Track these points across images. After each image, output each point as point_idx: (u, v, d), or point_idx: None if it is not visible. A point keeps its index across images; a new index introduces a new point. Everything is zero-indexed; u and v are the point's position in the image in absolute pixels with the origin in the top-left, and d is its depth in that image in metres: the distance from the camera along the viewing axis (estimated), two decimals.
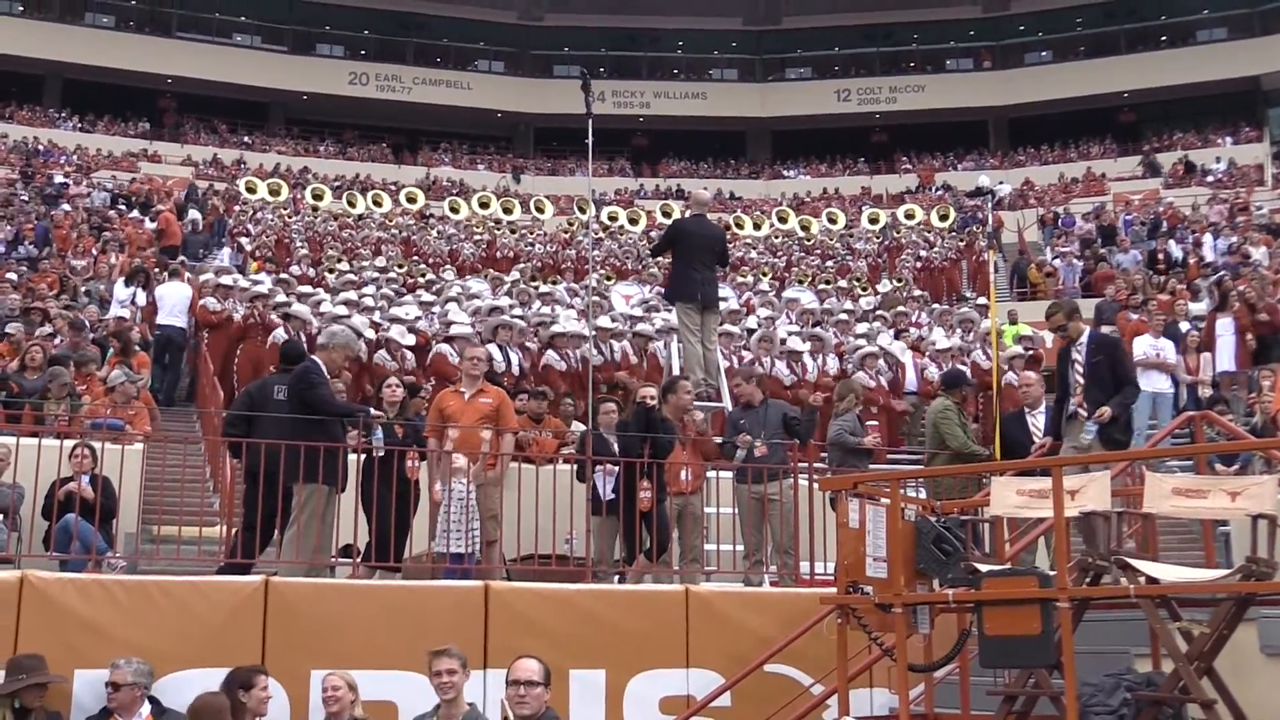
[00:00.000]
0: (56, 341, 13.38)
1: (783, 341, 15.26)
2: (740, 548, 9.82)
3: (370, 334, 14.05)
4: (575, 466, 9.64)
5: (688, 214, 13.87)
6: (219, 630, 7.11)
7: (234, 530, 8.71)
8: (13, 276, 17.02)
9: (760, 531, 9.71)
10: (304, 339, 13.10)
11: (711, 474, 9.98)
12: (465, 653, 6.63)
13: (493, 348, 13.02)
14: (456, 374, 10.91)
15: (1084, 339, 9.14)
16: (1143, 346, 15.86)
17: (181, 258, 20.17)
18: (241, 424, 8.70)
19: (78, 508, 8.42)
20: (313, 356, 9.12)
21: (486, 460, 9.02)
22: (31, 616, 6.76)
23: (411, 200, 29.87)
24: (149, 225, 24.42)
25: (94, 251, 20.55)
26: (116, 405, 11.18)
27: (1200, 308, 18.23)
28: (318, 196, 28.59)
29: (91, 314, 15.28)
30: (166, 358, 15.30)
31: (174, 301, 15.64)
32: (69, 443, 9.01)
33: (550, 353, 14.15)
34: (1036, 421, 10.41)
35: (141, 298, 16.23)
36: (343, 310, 14.41)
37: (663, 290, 13.04)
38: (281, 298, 14.95)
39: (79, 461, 8.98)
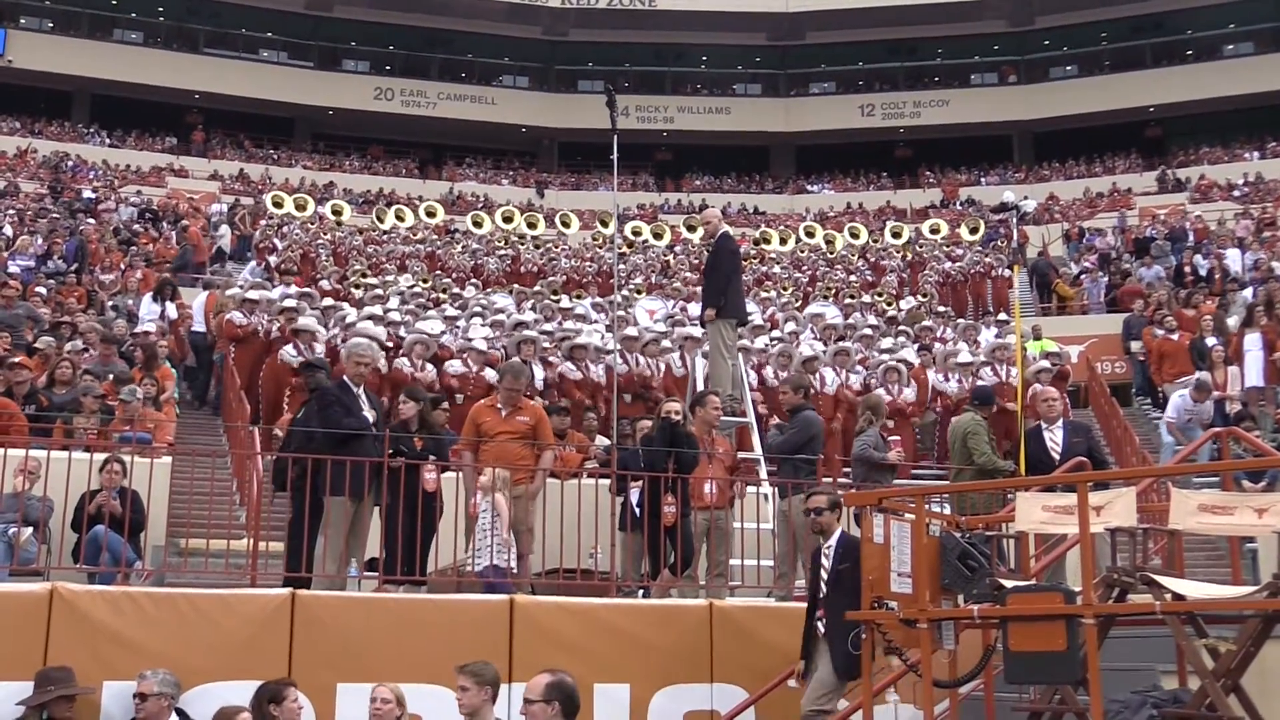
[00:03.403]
0: (85, 356, 13.48)
1: (812, 359, 15.22)
2: (765, 562, 9.81)
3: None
4: (606, 481, 9.61)
5: (723, 228, 13.66)
6: (246, 643, 7.16)
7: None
8: (42, 291, 17.18)
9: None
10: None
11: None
12: (490, 667, 6.45)
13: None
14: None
15: (834, 539, 7.72)
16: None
17: (216, 267, 20.46)
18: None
19: (107, 520, 8.48)
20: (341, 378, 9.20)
21: (524, 475, 9.03)
22: (61, 628, 6.83)
23: (431, 214, 29.91)
24: (175, 241, 24.68)
25: (121, 266, 20.71)
26: (130, 420, 11.20)
27: (1235, 323, 18.09)
28: (337, 212, 28.70)
29: (120, 328, 15.41)
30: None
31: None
32: (98, 456, 9.07)
33: (567, 363, 14.26)
34: (1054, 437, 10.36)
35: (173, 311, 16.42)
36: (367, 325, 14.46)
37: (705, 305, 12.67)
38: (308, 314, 15.05)
39: (109, 476, 9.05)
